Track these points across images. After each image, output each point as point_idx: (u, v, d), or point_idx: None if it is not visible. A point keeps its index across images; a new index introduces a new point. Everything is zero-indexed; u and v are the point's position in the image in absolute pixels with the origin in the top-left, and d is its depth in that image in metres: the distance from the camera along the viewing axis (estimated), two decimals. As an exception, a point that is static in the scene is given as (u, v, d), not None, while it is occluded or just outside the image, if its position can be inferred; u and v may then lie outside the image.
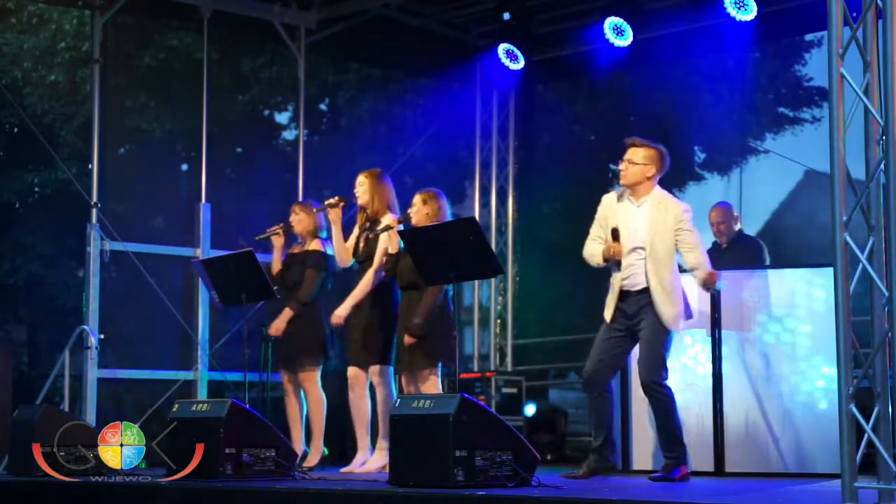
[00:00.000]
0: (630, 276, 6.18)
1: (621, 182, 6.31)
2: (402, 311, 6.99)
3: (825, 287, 6.73)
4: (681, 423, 6.26)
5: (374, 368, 7.16)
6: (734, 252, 8.26)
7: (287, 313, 7.48)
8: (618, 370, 6.41)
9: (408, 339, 6.81)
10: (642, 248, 6.15)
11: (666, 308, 6.10)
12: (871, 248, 4.20)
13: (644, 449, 7.18)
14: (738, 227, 8.40)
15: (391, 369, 7.14)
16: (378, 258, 7.07)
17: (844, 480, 4.06)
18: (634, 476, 6.95)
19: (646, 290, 6.13)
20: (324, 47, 10.36)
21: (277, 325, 7.48)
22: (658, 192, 6.28)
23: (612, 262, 6.22)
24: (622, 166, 6.29)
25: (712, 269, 6.29)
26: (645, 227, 6.18)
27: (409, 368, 6.94)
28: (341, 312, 7.13)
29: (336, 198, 7.25)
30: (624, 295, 6.20)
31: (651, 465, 7.05)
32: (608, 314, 6.25)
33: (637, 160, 6.24)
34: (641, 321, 6.15)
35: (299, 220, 7.67)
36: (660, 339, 6.11)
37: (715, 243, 8.44)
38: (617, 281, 6.22)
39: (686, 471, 6.16)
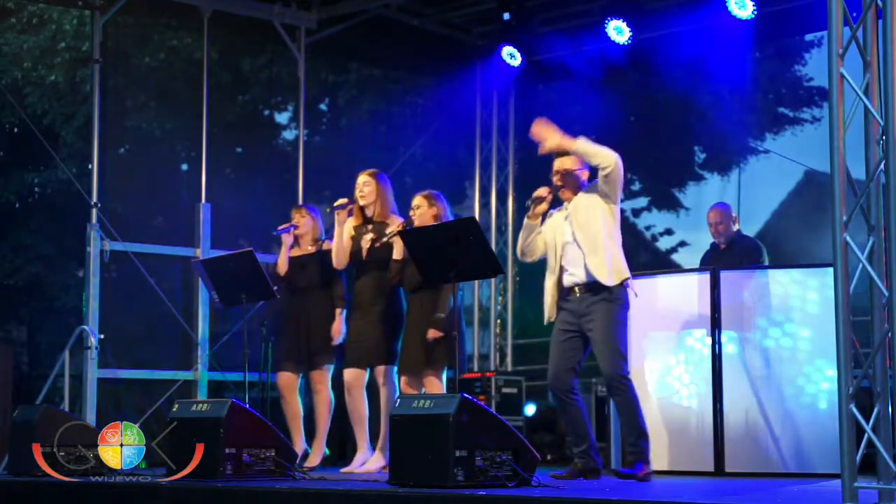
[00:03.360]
0: (570, 272, 6.14)
1: (563, 196, 6.25)
2: (413, 313, 6.99)
3: (825, 287, 6.72)
4: (644, 418, 6.18)
5: (380, 369, 7.16)
6: (733, 253, 8.25)
7: (339, 312, 7.46)
8: (577, 372, 6.26)
9: (432, 334, 6.79)
10: (574, 238, 6.12)
11: (596, 266, 6.04)
12: (871, 248, 4.20)
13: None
14: (736, 227, 8.38)
15: (395, 369, 7.15)
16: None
17: (844, 480, 4.06)
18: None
19: (588, 286, 6.08)
20: (324, 47, 10.36)
21: (338, 329, 7.43)
22: (583, 192, 6.28)
23: (534, 205, 6.20)
24: (557, 179, 6.24)
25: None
26: (579, 215, 6.16)
27: (412, 370, 6.94)
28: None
29: (346, 199, 7.25)
30: (566, 292, 6.17)
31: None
32: (547, 312, 6.23)
33: (571, 166, 6.22)
34: (590, 319, 6.08)
35: (304, 221, 7.67)
36: (614, 332, 6.06)
37: (713, 244, 8.43)
38: (552, 279, 6.20)
39: (648, 469, 6.06)
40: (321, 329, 7.48)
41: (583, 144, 6.06)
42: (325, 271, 7.52)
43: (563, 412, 6.31)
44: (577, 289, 6.14)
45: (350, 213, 7.34)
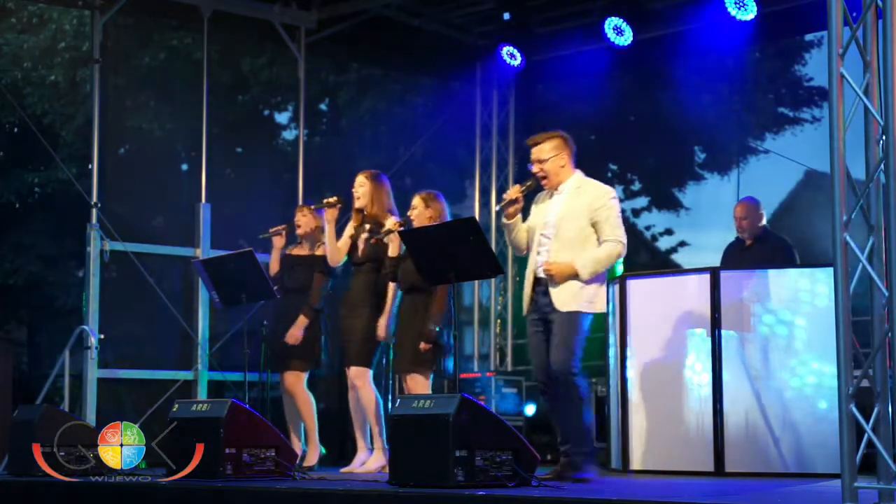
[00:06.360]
0: (539, 263, 6.04)
1: (546, 186, 6.12)
2: (405, 314, 6.97)
3: (825, 287, 6.72)
4: (592, 419, 6.07)
5: (353, 370, 7.14)
6: (758, 250, 8.04)
7: (302, 320, 7.44)
8: None
9: (424, 346, 6.75)
10: (551, 232, 6.02)
11: (562, 286, 5.91)
12: (871, 248, 4.20)
13: (642, 449, 7.18)
14: (762, 223, 8.20)
15: (371, 372, 7.14)
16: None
17: (844, 480, 4.06)
18: (633, 476, 6.96)
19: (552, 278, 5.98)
20: (324, 47, 10.36)
21: (294, 334, 7.43)
22: (578, 177, 6.13)
23: (506, 208, 6.04)
24: (535, 169, 6.12)
25: (581, 266, 5.90)
26: (557, 212, 6.04)
27: (402, 369, 6.94)
28: (383, 323, 7.10)
29: (335, 197, 7.24)
30: (537, 282, 6.06)
31: (649, 465, 7.05)
32: (525, 305, 6.14)
33: (545, 155, 6.08)
34: (551, 312, 5.97)
35: (306, 221, 7.67)
36: (571, 327, 5.92)
37: (738, 238, 8.20)
38: (530, 269, 6.10)
39: (596, 474, 5.95)
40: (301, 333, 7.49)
41: (590, 270, 5.92)
42: (311, 275, 7.52)
43: (552, 407, 6.11)
44: (543, 279, 6.02)
45: (344, 214, 7.34)
